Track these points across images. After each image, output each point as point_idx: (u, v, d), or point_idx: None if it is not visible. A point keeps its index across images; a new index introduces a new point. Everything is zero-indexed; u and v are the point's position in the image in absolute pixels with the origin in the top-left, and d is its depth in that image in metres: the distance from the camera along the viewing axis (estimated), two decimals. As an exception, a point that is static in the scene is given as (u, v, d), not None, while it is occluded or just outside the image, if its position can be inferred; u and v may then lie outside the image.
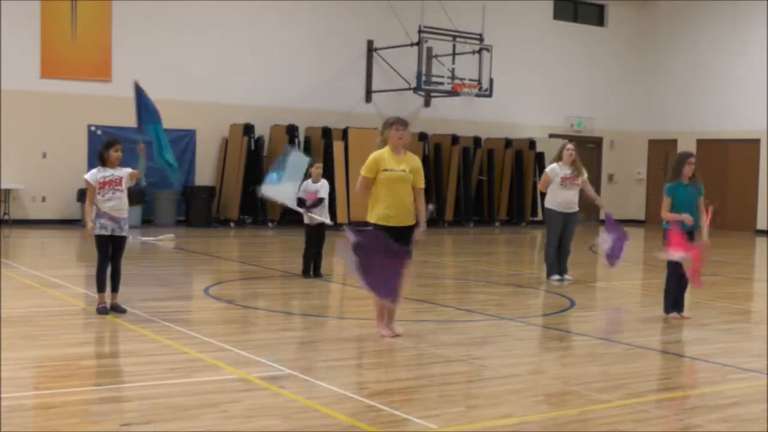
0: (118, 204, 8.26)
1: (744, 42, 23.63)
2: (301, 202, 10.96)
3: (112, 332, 7.73)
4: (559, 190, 11.49)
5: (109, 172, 8.23)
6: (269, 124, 20.37)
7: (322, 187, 11.12)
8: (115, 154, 8.26)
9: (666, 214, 9.00)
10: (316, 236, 11.23)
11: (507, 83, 22.40)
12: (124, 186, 8.31)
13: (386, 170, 7.42)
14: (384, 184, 7.41)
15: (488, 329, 8.40)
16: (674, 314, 9.03)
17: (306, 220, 11.16)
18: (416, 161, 7.62)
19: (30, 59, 18.20)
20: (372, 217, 7.52)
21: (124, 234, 8.39)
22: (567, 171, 11.52)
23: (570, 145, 11.71)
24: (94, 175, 8.23)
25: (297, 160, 10.38)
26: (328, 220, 11.13)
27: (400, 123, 7.52)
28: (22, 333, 7.38)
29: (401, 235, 7.46)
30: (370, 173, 7.47)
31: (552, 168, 11.60)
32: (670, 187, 8.98)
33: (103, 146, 8.37)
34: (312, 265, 11.31)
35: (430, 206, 8.00)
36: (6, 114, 17.92)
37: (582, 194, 11.76)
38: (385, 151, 7.52)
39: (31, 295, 9.50)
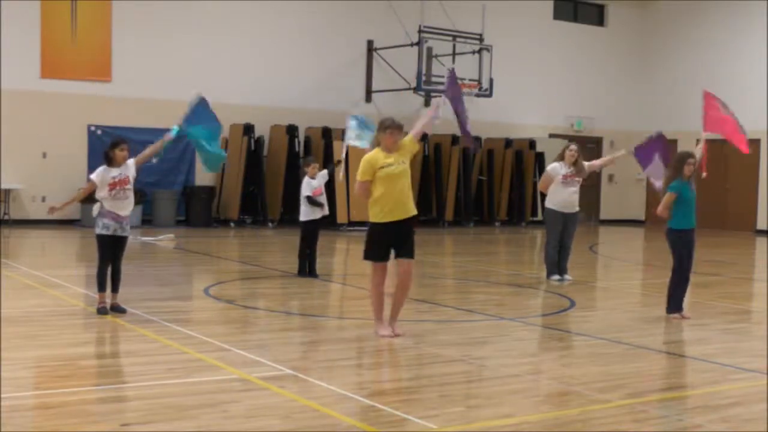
0: (127, 203, 8.32)
1: (744, 42, 23.62)
2: (310, 198, 11.22)
3: (112, 332, 7.73)
4: (561, 189, 11.48)
5: (117, 172, 8.25)
6: (269, 124, 20.37)
7: (321, 177, 11.40)
8: (121, 153, 8.28)
9: (664, 212, 8.97)
10: (313, 235, 11.30)
11: (507, 83, 22.40)
12: (132, 184, 8.36)
13: (383, 167, 7.44)
14: (384, 181, 7.42)
15: (488, 329, 8.40)
16: (675, 314, 9.03)
17: (314, 215, 11.27)
18: (406, 141, 7.60)
19: (30, 59, 18.19)
20: (373, 216, 7.53)
21: (125, 234, 8.42)
22: (568, 169, 11.52)
23: (573, 146, 11.69)
24: (100, 174, 8.23)
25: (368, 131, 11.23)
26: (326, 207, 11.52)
27: (396, 128, 7.50)
28: (22, 333, 7.38)
29: (402, 228, 7.50)
30: (368, 176, 7.47)
31: (553, 167, 11.60)
32: (675, 185, 8.92)
33: (109, 145, 8.39)
34: (308, 265, 11.38)
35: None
36: (6, 114, 17.91)
37: (580, 192, 11.83)
38: (377, 152, 7.53)
39: (31, 295, 9.49)
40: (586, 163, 11.68)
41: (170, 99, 19.24)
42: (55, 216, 9.11)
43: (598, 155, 25.70)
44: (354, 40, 21.76)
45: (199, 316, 8.90)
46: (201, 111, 9.18)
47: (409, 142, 7.60)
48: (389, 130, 7.49)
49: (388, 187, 7.42)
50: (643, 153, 10.40)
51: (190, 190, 19.52)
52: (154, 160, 9.00)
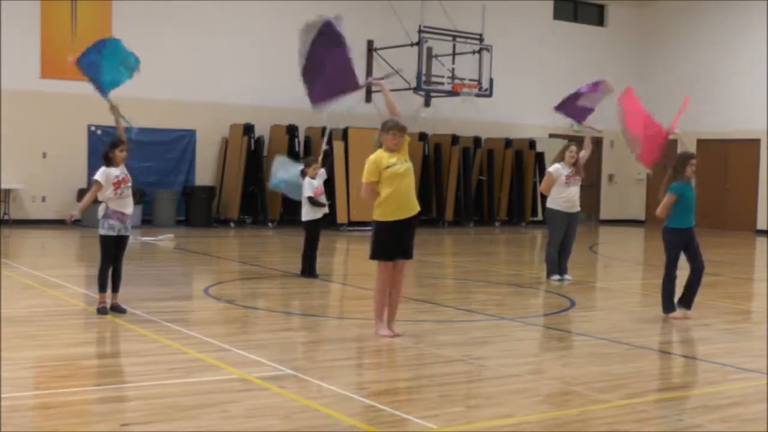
0: (130, 201, 8.40)
1: (744, 42, 23.62)
2: (311, 199, 11.26)
3: (112, 332, 7.73)
4: (564, 189, 11.52)
5: (117, 171, 8.29)
6: (269, 124, 20.37)
7: (321, 177, 11.45)
8: (120, 154, 8.32)
9: (663, 212, 8.96)
10: (315, 234, 11.33)
11: (507, 83, 22.39)
12: (131, 182, 8.44)
13: (388, 167, 7.45)
14: (389, 181, 7.44)
15: (488, 329, 8.40)
16: (675, 313, 9.02)
17: (315, 215, 11.30)
18: (407, 140, 7.65)
19: (30, 59, 18.19)
20: (379, 215, 7.54)
21: (128, 234, 8.45)
22: (569, 170, 11.60)
23: (573, 147, 11.81)
24: (103, 174, 8.24)
25: (289, 168, 11.56)
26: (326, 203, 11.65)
27: (398, 129, 7.51)
28: (22, 333, 7.38)
29: (407, 226, 7.55)
30: (375, 177, 7.47)
31: (556, 168, 11.64)
32: (676, 186, 8.91)
33: (109, 146, 8.42)
34: (308, 265, 11.41)
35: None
36: (6, 114, 17.91)
37: (582, 191, 11.89)
38: (380, 152, 7.54)
39: (31, 295, 9.49)
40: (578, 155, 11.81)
41: (170, 99, 19.29)
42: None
43: (599, 155, 25.79)
44: (354, 40, 21.53)
45: (199, 316, 8.90)
46: (89, 51, 9.34)
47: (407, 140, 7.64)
48: (392, 131, 7.50)
49: (393, 186, 7.44)
50: (579, 114, 12.47)
51: (190, 190, 19.52)
52: (134, 133, 9.01)
